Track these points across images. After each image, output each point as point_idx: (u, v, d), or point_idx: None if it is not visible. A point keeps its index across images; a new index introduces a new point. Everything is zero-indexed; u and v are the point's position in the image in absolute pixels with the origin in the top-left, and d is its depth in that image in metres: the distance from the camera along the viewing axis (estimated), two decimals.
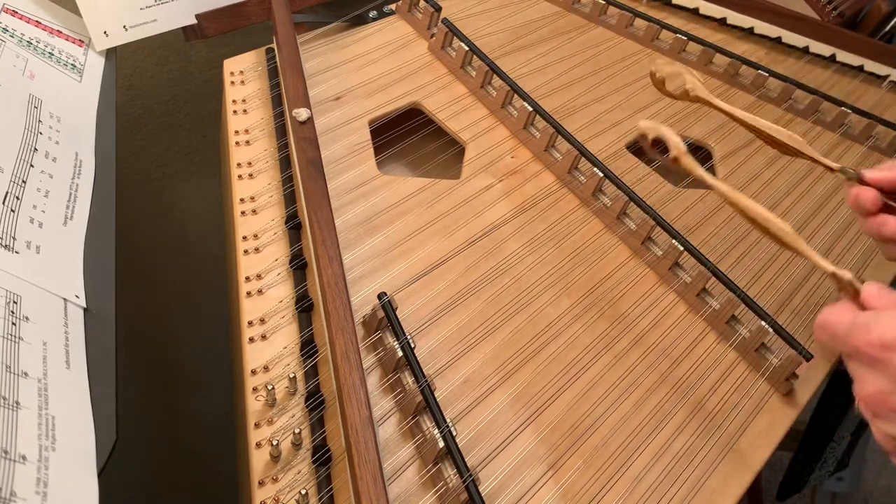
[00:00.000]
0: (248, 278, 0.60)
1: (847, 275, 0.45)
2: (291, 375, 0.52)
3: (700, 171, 0.54)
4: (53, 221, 0.58)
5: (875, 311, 0.41)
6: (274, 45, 0.80)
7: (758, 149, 0.82)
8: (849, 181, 0.52)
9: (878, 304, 0.42)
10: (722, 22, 0.99)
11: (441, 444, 0.48)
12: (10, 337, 0.47)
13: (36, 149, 0.62)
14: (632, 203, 0.67)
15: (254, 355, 0.55)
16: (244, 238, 0.63)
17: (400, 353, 0.53)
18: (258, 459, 0.49)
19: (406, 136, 0.76)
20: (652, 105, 0.84)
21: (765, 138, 0.58)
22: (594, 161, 0.69)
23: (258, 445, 0.50)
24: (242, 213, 0.65)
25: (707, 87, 0.87)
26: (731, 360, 0.61)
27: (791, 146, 0.56)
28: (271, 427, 0.51)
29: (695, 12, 1.00)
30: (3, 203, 0.55)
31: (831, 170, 0.54)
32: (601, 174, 0.69)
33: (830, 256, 0.71)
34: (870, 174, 0.50)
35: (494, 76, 0.79)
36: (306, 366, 0.54)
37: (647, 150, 0.58)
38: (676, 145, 0.54)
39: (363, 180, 0.70)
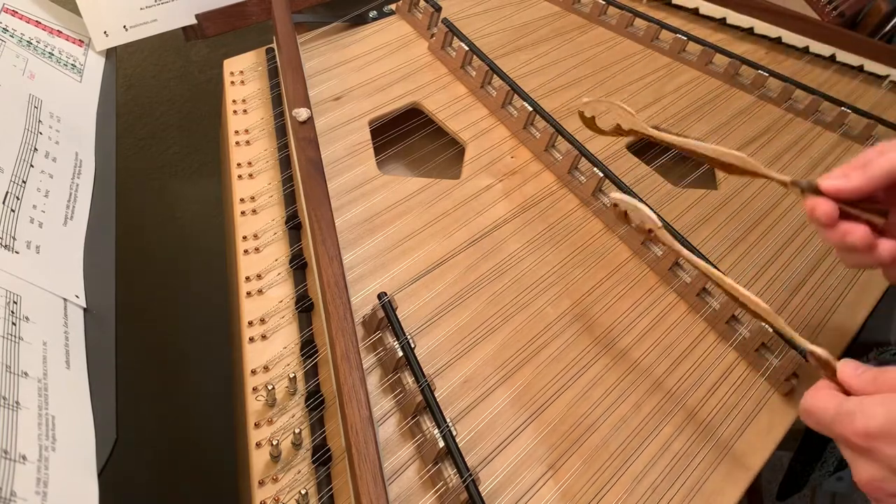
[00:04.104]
0: (248, 278, 0.60)
1: (823, 353, 0.44)
2: (291, 375, 0.52)
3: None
4: (53, 221, 0.58)
5: (858, 398, 0.41)
6: (274, 45, 0.80)
7: (756, 150, 0.82)
8: (804, 193, 0.48)
9: (856, 385, 0.42)
10: (722, 22, 0.99)
11: (441, 443, 0.48)
12: (10, 337, 0.47)
13: (36, 149, 0.62)
14: None
15: (254, 355, 0.55)
16: (244, 238, 0.63)
17: (400, 353, 0.53)
18: (258, 459, 0.49)
19: (406, 136, 0.76)
20: (652, 105, 0.85)
21: (714, 163, 0.55)
22: (594, 161, 0.69)
23: (258, 445, 0.50)
24: (242, 213, 0.65)
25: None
26: (731, 360, 0.61)
27: (740, 167, 0.53)
28: (271, 427, 0.51)
29: (695, 12, 1.00)
30: (3, 203, 0.55)
31: (784, 184, 0.51)
32: (601, 174, 0.69)
33: (829, 259, 0.71)
34: (825, 184, 0.47)
35: (494, 76, 0.79)
36: (306, 366, 0.54)
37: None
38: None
39: (363, 180, 0.70)
